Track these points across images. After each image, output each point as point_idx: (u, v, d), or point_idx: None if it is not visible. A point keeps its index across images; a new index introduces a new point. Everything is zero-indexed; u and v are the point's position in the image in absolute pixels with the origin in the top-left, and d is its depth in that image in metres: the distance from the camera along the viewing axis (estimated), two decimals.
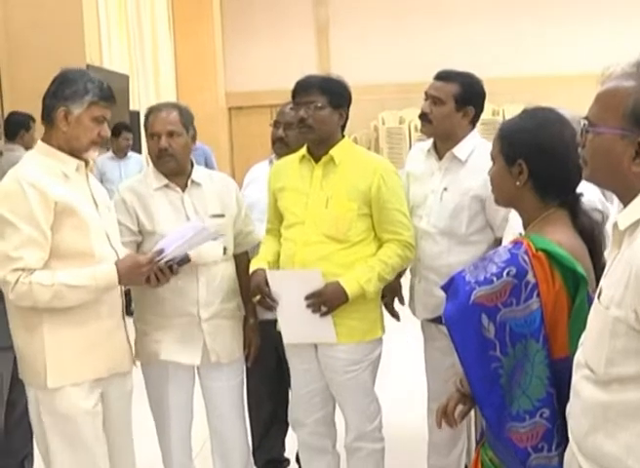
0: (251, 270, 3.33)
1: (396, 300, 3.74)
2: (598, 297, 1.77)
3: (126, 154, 8.00)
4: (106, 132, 2.87)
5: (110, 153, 7.91)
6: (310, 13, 11.53)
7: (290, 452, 4.13)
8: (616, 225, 1.76)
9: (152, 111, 3.31)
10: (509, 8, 11.00)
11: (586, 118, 1.81)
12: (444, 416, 2.34)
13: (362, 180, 3.21)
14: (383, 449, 3.43)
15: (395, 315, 3.72)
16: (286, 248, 3.31)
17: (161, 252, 2.91)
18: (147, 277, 2.92)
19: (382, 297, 3.52)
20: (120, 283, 2.86)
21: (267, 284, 3.23)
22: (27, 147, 6.17)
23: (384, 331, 3.42)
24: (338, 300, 3.17)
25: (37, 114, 5.11)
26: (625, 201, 1.77)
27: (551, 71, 10.53)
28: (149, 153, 3.35)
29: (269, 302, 3.22)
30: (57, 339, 2.80)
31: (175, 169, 3.28)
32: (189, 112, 3.34)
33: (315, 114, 3.19)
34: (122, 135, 7.86)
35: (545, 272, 2.08)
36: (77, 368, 2.83)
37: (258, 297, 3.26)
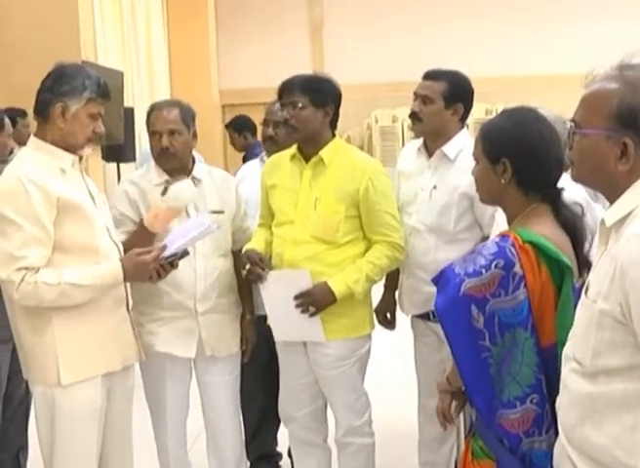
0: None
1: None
2: (585, 292, 1.81)
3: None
4: (101, 128, 2.86)
5: None
6: (304, 12, 11.53)
7: (282, 447, 4.16)
8: (603, 222, 1.81)
9: (154, 109, 3.34)
10: (502, 7, 11.02)
11: (573, 120, 1.86)
12: (444, 417, 2.43)
13: (350, 182, 3.23)
14: (374, 444, 3.45)
15: (389, 327, 3.75)
16: (276, 245, 3.33)
17: (164, 248, 2.91)
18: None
19: (376, 315, 3.56)
20: (125, 280, 2.87)
21: (260, 257, 3.24)
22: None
23: (374, 327, 3.45)
24: (325, 301, 3.19)
25: (32, 111, 5.13)
26: (612, 199, 1.81)
27: (544, 71, 10.56)
28: (151, 150, 3.37)
29: (259, 271, 3.22)
30: (68, 335, 2.78)
31: (176, 166, 3.31)
32: (191, 110, 3.37)
33: (297, 114, 3.21)
34: None
35: (532, 263, 2.14)
36: (90, 362, 2.82)
37: (247, 267, 3.25)
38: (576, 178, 1.92)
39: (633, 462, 1.70)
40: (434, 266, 3.08)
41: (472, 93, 3.44)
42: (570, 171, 1.94)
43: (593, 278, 1.81)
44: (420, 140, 3.55)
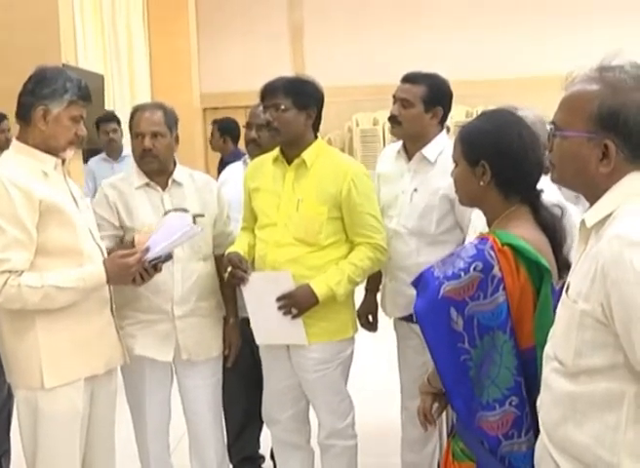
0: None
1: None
2: (566, 292, 1.83)
3: (119, 155, 7.09)
4: (83, 131, 2.85)
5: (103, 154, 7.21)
6: (285, 15, 11.53)
7: (265, 449, 4.17)
8: (583, 223, 1.82)
9: (137, 111, 3.34)
10: (484, 11, 11.06)
11: (553, 123, 1.87)
12: (425, 418, 2.44)
13: (332, 184, 3.23)
14: (356, 446, 3.46)
15: (371, 329, 3.76)
16: (259, 248, 3.34)
17: (147, 250, 2.90)
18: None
19: (359, 317, 3.57)
20: (108, 283, 2.86)
21: (240, 259, 3.24)
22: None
23: (357, 330, 3.46)
24: (307, 303, 3.19)
25: (11, 114, 5.10)
26: (592, 200, 1.83)
27: (525, 73, 10.60)
28: (133, 152, 3.37)
29: (240, 273, 3.22)
30: (51, 338, 2.77)
31: (157, 169, 3.31)
32: (174, 113, 3.37)
33: (280, 116, 3.21)
34: (100, 128, 7.11)
35: (511, 266, 2.15)
36: (74, 366, 2.82)
37: (229, 269, 3.25)
38: (556, 181, 1.93)
39: (616, 460, 1.71)
40: (416, 269, 3.07)
41: (451, 96, 3.46)
42: (550, 173, 1.95)
43: (573, 278, 1.82)
44: (400, 143, 3.56)
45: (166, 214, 3.25)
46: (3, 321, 2.81)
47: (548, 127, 1.88)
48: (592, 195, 1.82)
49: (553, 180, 1.95)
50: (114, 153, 7.08)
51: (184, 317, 3.31)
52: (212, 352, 3.43)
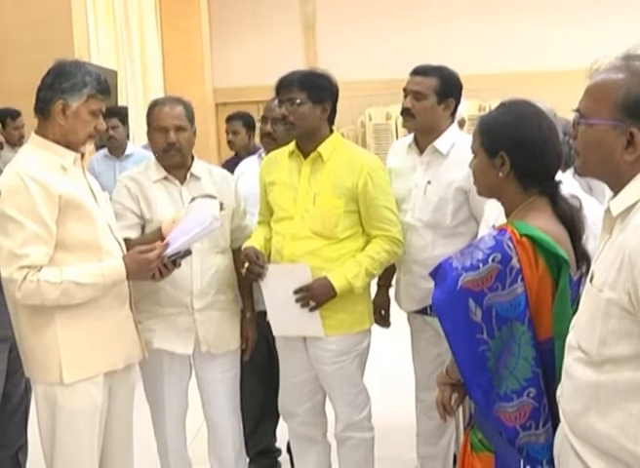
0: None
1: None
2: (590, 281, 1.83)
3: (122, 152, 6.35)
4: (102, 125, 2.85)
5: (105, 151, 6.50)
6: (297, 9, 11.53)
7: (281, 442, 4.18)
8: (608, 211, 1.83)
9: (157, 105, 3.34)
10: (496, 5, 11.04)
11: (577, 110, 1.87)
12: (444, 409, 2.44)
13: (349, 177, 3.24)
14: (373, 439, 3.47)
15: (384, 325, 3.77)
16: (275, 241, 3.35)
17: (167, 245, 2.90)
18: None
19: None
20: (128, 278, 2.85)
21: (257, 254, 3.26)
22: None
23: (372, 322, 3.47)
24: (326, 295, 3.21)
25: (25, 110, 5.11)
26: (617, 189, 1.83)
27: (536, 67, 10.58)
28: (153, 147, 3.36)
29: (257, 269, 3.24)
30: (70, 334, 2.77)
31: (179, 163, 3.33)
32: (192, 107, 3.38)
33: (295, 111, 3.22)
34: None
35: (529, 257, 2.15)
36: (93, 361, 2.82)
37: (246, 265, 3.26)
38: (581, 168, 1.93)
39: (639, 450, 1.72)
40: (432, 262, 3.07)
41: (461, 87, 3.46)
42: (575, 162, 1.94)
43: (598, 267, 1.82)
44: (410, 137, 3.56)
45: (193, 200, 3.23)
46: (22, 316, 2.81)
47: (572, 114, 1.88)
48: (617, 183, 1.82)
49: (577, 168, 1.95)
50: (116, 151, 6.39)
51: (204, 310, 3.32)
52: (230, 345, 3.44)
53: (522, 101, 2.40)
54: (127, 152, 6.33)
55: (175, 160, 3.31)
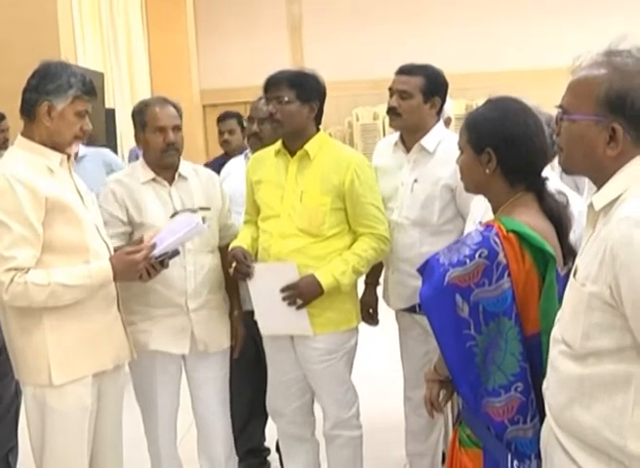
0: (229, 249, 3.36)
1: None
2: (574, 275, 1.85)
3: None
4: (88, 126, 2.85)
5: None
6: (283, 10, 11.55)
7: (270, 441, 4.19)
8: (591, 206, 1.84)
9: (151, 105, 3.33)
10: (482, 4, 11.08)
11: (560, 106, 1.88)
12: (432, 406, 2.46)
13: (336, 175, 3.25)
14: (361, 436, 3.48)
15: (372, 323, 3.77)
16: (262, 240, 3.36)
17: (154, 246, 2.91)
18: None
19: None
20: (115, 279, 2.86)
21: (244, 254, 3.26)
22: None
23: (360, 320, 3.48)
24: (313, 293, 3.21)
25: (11, 113, 5.08)
26: (599, 184, 1.84)
27: (523, 66, 10.63)
28: (150, 147, 3.33)
29: (245, 269, 3.24)
30: (59, 336, 2.77)
31: (177, 162, 3.34)
32: (180, 108, 3.40)
33: (283, 109, 3.23)
34: None
35: (516, 252, 2.17)
36: (81, 362, 2.82)
37: (234, 265, 3.26)
38: (564, 164, 1.94)
39: (622, 443, 1.73)
40: (419, 260, 3.06)
41: (447, 85, 3.47)
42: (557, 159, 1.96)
43: (581, 261, 1.84)
44: (395, 136, 3.57)
45: (174, 215, 3.27)
46: (11, 318, 2.81)
47: (556, 110, 1.89)
48: (600, 178, 1.84)
49: (560, 164, 1.96)
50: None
51: (198, 310, 3.33)
52: (223, 344, 3.46)
53: (508, 98, 2.41)
54: (80, 154, 5.63)
55: (173, 160, 3.32)
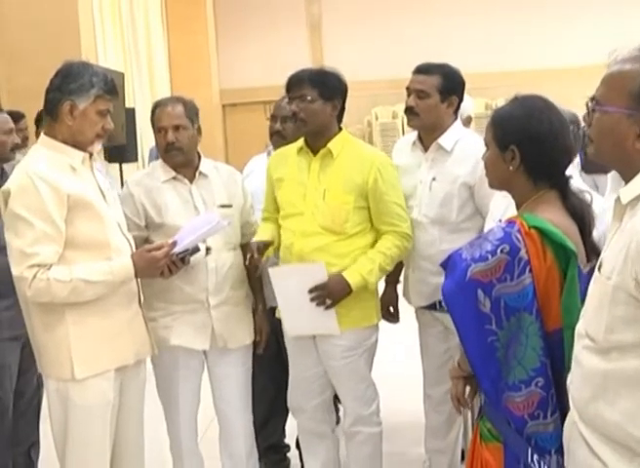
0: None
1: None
2: (599, 269, 1.85)
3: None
4: (110, 124, 2.88)
5: None
6: (303, 9, 11.57)
7: (290, 438, 4.20)
8: (618, 199, 1.85)
9: (158, 106, 3.37)
10: (501, 3, 11.06)
11: (593, 98, 1.89)
12: (458, 402, 2.47)
13: (359, 173, 3.27)
14: (381, 433, 3.49)
15: (393, 321, 3.78)
16: (284, 238, 3.37)
17: (174, 244, 2.93)
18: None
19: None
20: (136, 276, 2.89)
21: (259, 246, 3.27)
22: None
23: (380, 318, 3.49)
24: (341, 292, 3.23)
25: (32, 113, 5.09)
26: (627, 178, 1.85)
27: (543, 65, 10.60)
28: (157, 147, 3.40)
29: (256, 260, 3.24)
30: (81, 331, 2.81)
31: (182, 162, 3.35)
32: (194, 105, 3.40)
33: (306, 107, 3.25)
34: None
35: (537, 249, 2.17)
36: (104, 357, 2.85)
37: (248, 256, 3.27)
38: (593, 155, 1.95)
39: None
40: (439, 257, 3.08)
41: (464, 84, 3.48)
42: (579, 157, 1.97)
43: (607, 255, 1.84)
44: (413, 135, 3.58)
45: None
46: (34, 314, 2.85)
47: (589, 102, 1.90)
48: (628, 172, 1.85)
49: (590, 155, 1.97)
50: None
51: (219, 306, 3.35)
52: (244, 340, 3.47)
53: (535, 96, 2.41)
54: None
55: (177, 159, 3.33)
